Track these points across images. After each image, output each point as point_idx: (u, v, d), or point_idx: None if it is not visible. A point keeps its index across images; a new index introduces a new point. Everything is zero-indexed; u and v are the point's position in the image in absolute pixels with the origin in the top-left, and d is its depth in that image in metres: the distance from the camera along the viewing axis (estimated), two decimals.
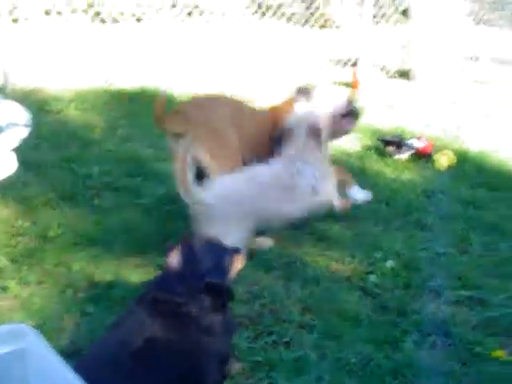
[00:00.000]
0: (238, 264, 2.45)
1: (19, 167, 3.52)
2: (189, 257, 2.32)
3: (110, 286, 3.02)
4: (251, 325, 2.78)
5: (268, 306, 2.93)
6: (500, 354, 2.63)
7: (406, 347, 2.65)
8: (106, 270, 3.16)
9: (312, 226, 3.76)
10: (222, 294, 2.27)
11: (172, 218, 3.74)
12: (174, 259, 2.32)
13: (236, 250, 2.47)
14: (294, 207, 3.40)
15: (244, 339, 2.66)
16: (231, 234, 3.07)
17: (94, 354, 2.21)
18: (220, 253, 2.38)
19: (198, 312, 2.20)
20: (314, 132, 3.55)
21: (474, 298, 3.08)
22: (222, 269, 2.34)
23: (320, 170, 3.51)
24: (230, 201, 3.19)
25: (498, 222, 3.98)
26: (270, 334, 2.72)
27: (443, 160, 4.91)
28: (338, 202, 3.63)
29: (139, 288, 2.84)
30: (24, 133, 3.36)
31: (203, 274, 2.25)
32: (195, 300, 2.21)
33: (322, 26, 10.18)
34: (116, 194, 4.08)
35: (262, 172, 3.39)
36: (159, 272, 2.52)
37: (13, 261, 3.21)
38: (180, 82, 7.13)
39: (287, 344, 2.66)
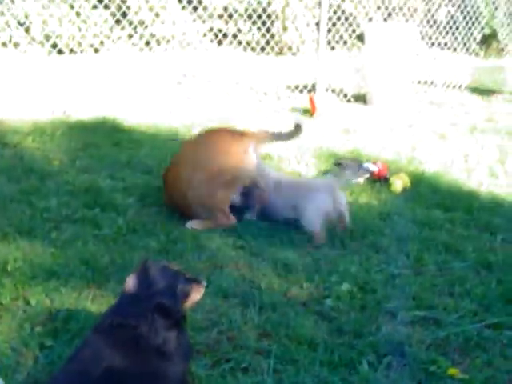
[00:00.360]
0: (197, 293, 2.48)
1: None
2: (143, 280, 2.35)
3: (69, 318, 3.00)
4: (209, 352, 2.78)
5: (225, 332, 2.95)
6: (454, 372, 2.68)
7: (362, 369, 2.69)
8: (64, 303, 3.14)
9: (268, 252, 3.81)
10: (173, 316, 2.30)
11: (131, 249, 3.76)
12: (130, 284, 2.35)
13: (196, 280, 2.50)
14: None
15: (202, 367, 2.67)
16: None
17: None
18: (176, 278, 2.42)
19: (151, 334, 2.22)
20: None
21: (428, 318, 3.13)
22: (175, 292, 2.37)
23: None
24: None
25: (452, 242, 4.06)
26: (228, 360, 2.73)
27: (398, 183, 5.01)
28: None
29: (98, 319, 2.88)
30: None
31: (154, 295, 2.28)
32: (148, 322, 2.24)
33: (279, 53, 10.33)
34: (74, 225, 4.07)
35: None
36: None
37: None
38: (138, 111, 7.19)
39: (245, 370, 2.67)
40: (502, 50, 12.53)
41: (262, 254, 3.79)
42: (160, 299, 2.28)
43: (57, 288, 3.28)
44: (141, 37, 9.81)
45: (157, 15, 10.06)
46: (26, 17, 9.00)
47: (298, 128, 4.32)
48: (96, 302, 3.17)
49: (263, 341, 2.88)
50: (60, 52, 8.60)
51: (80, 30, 9.17)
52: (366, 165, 5.17)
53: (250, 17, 9.77)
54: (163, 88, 7.98)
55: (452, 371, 2.68)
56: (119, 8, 8.97)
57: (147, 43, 9.81)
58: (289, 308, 3.17)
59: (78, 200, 4.48)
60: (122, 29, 9.81)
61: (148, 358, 2.23)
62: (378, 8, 10.82)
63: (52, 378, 2.33)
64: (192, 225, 4.16)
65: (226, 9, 10.46)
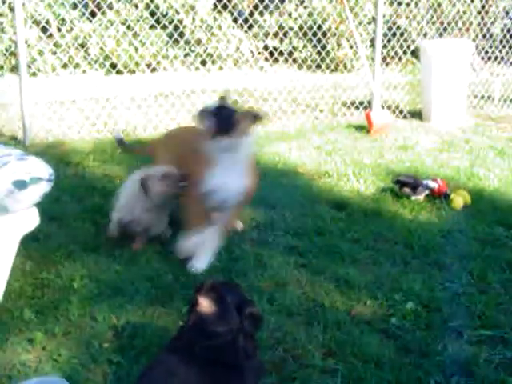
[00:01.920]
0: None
1: (41, 220, 3.60)
2: (218, 298, 2.39)
3: (135, 335, 3.06)
4: (275, 370, 2.80)
5: (290, 351, 2.96)
6: None
7: None
8: (130, 320, 3.20)
9: (330, 270, 3.81)
10: (260, 323, 2.35)
11: None
12: (204, 302, 2.38)
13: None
14: None
15: None
16: None
17: None
18: (242, 293, 2.46)
19: (241, 355, 2.26)
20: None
21: (495, 337, 3.10)
22: (251, 303, 2.43)
23: None
24: None
25: None
26: (294, 379, 2.74)
27: (459, 199, 4.96)
28: None
29: (163, 336, 2.92)
30: (47, 187, 3.44)
31: (241, 307, 2.32)
32: (236, 341, 2.28)
33: (333, 70, 10.34)
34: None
35: None
36: (185, 319, 2.58)
37: (38, 313, 3.25)
38: None
39: None
40: None
41: (323, 271, 3.79)
42: (248, 309, 2.32)
43: (122, 305, 3.35)
44: (196, 56, 9.95)
45: (213, 35, 10.19)
46: (86, 38, 9.21)
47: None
48: (161, 320, 3.22)
49: (329, 359, 2.89)
50: (118, 72, 8.76)
51: (137, 50, 9.33)
52: (425, 182, 5.13)
53: (305, 34, 9.83)
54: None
55: None
56: (176, 28, 9.11)
57: (203, 62, 9.94)
58: (353, 326, 3.16)
59: None
60: (179, 48, 9.97)
61: (226, 375, 2.27)
62: (433, 23, 10.77)
63: None
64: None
65: (281, 27, 10.55)
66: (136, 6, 9.92)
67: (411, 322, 3.23)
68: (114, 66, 8.70)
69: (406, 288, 3.57)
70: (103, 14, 8.93)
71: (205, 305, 2.37)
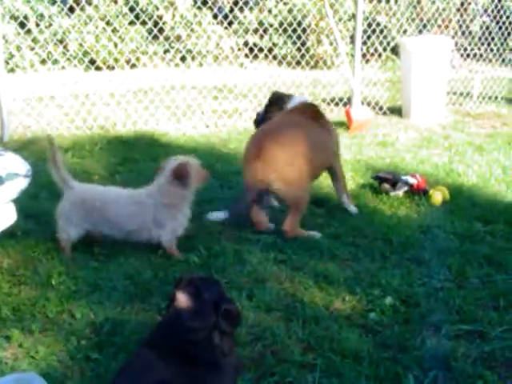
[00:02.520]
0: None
1: (19, 217, 3.58)
2: (195, 294, 2.37)
3: (114, 331, 3.04)
4: (253, 366, 2.79)
5: (269, 346, 2.95)
6: None
7: (409, 383, 2.68)
8: (108, 316, 3.18)
9: (309, 266, 3.81)
10: (237, 321, 2.34)
11: (172, 264, 3.80)
12: (181, 298, 2.37)
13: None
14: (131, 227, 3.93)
15: (247, 381, 2.68)
16: (68, 222, 3.91)
17: None
18: (220, 289, 2.46)
19: (217, 353, 2.26)
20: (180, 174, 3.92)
21: (472, 332, 3.11)
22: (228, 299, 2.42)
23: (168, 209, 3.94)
24: (79, 195, 3.96)
25: (494, 255, 4.02)
26: (273, 374, 2.74)
27: (438, 195, 4.99)
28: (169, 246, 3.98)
29: (142, 332, 2.91)
30: (24, 184, 3.42)
31: (218, 303, 2.31)
32: (211, 336, 2.27)
33: (313, 67, 10.35)
34: (116, 241, 4.11)
35: (124, 191, 4.09)
36: (163, 315, 2.57)
37: (15, 310, 3.23)
38: (176, 126, 7.27)
39: None
40: None
41: (303, 267, 3.79)
42: (224, 305, 2.31)
43: (101, 302, 3.33)
44: (176, 52, 9.92)
45: (193, 31, 10.16)
46: (64, 33, 9.14)
47: None
48: (140, 316, 3.21)
49: (307, 355, 2.89)
50: (97, 68, 8.70)
51: (116, 45, 9.27)
52: (404, 178, 5.15)
53: (285, 31, 9.83)
54: (199, 102, 8.05)
55: None
56: (156, 24, 9.07)
57: (183, 58, 9.91)
58: (332, 321, 3.16)
59: None
60: (159, 44, 9.93)
61: (203, 372, 2.26)
62: (413, 20, 10.81)
63: None
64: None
65: (261, 23, 10.54)
66: (115, 2, 9.86)
67: (390, 317, 3.24)
68: (93, 61, 8.64)
69: (385, 283, 3.58)
70: (82, 9, 8.87)
71: (182, 300, 2.36)
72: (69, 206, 3.93)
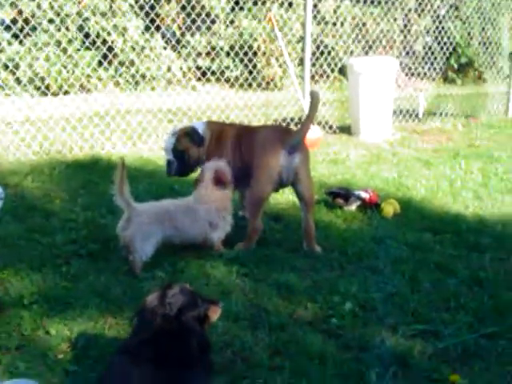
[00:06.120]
0: (215, 314, 2.69)
1: None
2: (163, 299, 2.55)
3: (89, 346, 3.17)
4: (225, 371, 2.96)
5: (239, 353, 3.13)
6: (456, 378, 2.90)
7: (371, 380, 2.89)
8: (82, 332, 3.31)
9: (271, 277, 4.00)
10: (198, 332, 2.51)
11: (140, 280, 3.95)
12: (148, 300, 2.55)
13: (213, 301, 2.71)
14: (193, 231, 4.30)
15: None
16: (145, 241, 4.05)
17: None
18: (196, 297, 2.63)
19: (180, 349, 2.42)
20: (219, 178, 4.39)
21: (427, 331, 3.35)
22: (197, 305, 2.59)
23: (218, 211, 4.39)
24: (151, 209, 4.21)
25: (444, 262, 4.29)
26: (245, 378, 2.92)
27: (389, 208, 5.24)
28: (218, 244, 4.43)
29: (117, 344, 3.05)
30: None
31: (184, 306, 2.50)
32: (177, 336, 2.44)
33: (265, 89, 10.60)
34: (82, 260, 4.24)
35: (178, 201, 4.45)
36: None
37: None
38: (132, 149, 7.40)
39: None
40: (479, 77, 12.92)
41: (265, 279, 3.99)
42: (188, 313, 2.48)
43: (74, 318, 3.46)
44: (130, 77, 10.07)
45: (146, 56, 10.30)
46: (12, 60, 9.15)
47: (313, 95, 4.50)
48: (112, 330, 3.36)
49: (275, 359, 3.08)
50: (53, 94, 8.78)
51: (68, 71, 9.34)
52: (357, 192, 5.39)
53: (236, 54, 10.05)
54: (155, 125, 8.19)
55: (454, 377, 2.90)
56: (109, 49, 9.18)
57: (136, 83, 10.06)
58: (296, 328, 3.37)
59: (83, 236, 4.63)
60: (113, 69, 10.04)
61: (178, 372, 2.41)
62: (359, 41, 11.16)
63: None
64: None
65: (212, 48, 10.75)
66: (67, 29, 9.95)
67: (350, 321, 3.46)
68: (47, 87, 8.71)
69: (344, 291, 3.80)
70: (37, 36, 8.95)
71: (148, 301, 2.55)
72: (145, 225, 4.11)
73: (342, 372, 2.95)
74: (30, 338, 3.28)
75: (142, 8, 9.02)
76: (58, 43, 9.37)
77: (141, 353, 2.47)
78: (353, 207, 5.34)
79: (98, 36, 9.62)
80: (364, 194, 5.39)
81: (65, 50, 9.11)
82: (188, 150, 4.76)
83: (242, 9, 11.04)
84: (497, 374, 2.99)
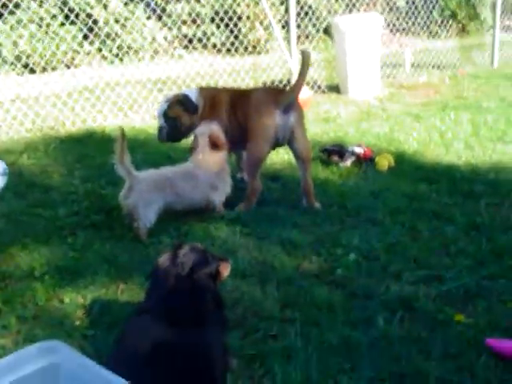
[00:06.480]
0: (225, 270, 2.78)
1: None
2: (174, 256, 2.64)
3: (104, 311, 3.26)
4: (238, 326, 3.07)
5: (250, 308, 3.23)
6: (460, 317, 3.02)
7: (379, 324, 3.01)
8: (95, 298, 3.40)
9: (274, 235, 4.10)
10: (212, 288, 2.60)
11: (146, 246, 4.04)
12: (161, 260, 2.65)
13: (222, 258, 2.80)
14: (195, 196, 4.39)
15: (234, 338, 2.95)
16: (147, 208, 4.14)
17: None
18: (207, 255, 2.72)
19: (197, 305, 2.51)
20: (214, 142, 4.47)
21: (430, 276, 3.47)
22: (208, 263, 2.68)
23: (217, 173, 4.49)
24: (151, 177, 4.28)
25: (440, 210, 4.41)
26: (257, 331, 3.02)
27: (383, 162, 5.34)
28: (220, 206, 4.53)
29: (131, 309, 3.14)
30: (2, 182, 3.59)
31: (196, 264, 2.59)
32: (192, 294, 2.53)
33: (251, 53, 10.61)
34: (87, 230, 4.30)
35: (177, 168, 4.51)
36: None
37: (5, 302, 3.40)
38: (123, 120, 7.44)
39: (274, 337, 2.97)
40: (463, 30, 12.95)
41: (268, 237, 4.09)
42: (200, 271, 2.57)
43: (86, 286, 3.54)
44: (110, 50, 10.05)
45: (131, 27, 10.26)
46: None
47: (305, 54, 4.52)
48: (125, 295, 3.45)
49: (286, 311, 3.19)
50: (32, 71, 8.77)
51: (49, 47, 9.28)
52: (351, 148, 5.48)
53: (221, 19, 10.02)
54: (145, 95, 8.22)
55: (458, 317, 3.02)
56: (94, 22, 9.14)
57: (117, 55, 10.05)
58: (303, 280, 3.47)
59: (85, 207, 4.69)
60: (91, 43, 9.99)
61: (195, 328, 2.50)
62: (337, 0, 11.15)
63: (109, 357, 2.57)
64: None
65: (198, 14, 10.71)
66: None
67: (354, 271, 3.57)
68: (35, 64, 8.70)
69: (346, 243, 3.91)
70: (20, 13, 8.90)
71: (161, 262, 2.64)
72: (146, 192, 4.19)
73: (350, 319, 3.06)
74: (45, 307, 3.36)
75: None
76: (41, 20, 9.33)
77: (157, 312, 2.55)
78: (348, 163, 5.43)
79: (81, 10, 9.57)
80: (358, 150, 5.48)
81: (48, 26, 9.08)
82: (180, 117, 4.82)
83: None
84: (499, 312, 3.11)
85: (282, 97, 4.51)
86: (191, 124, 4.80)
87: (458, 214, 4.32)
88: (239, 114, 4.66)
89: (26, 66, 8.67)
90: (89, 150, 6.34)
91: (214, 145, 4.47)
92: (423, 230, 4.10)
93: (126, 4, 10.26)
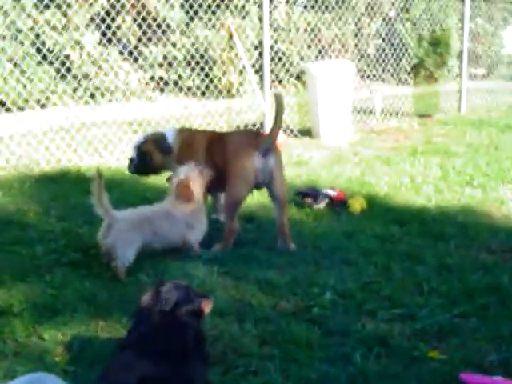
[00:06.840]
0: (207, 306, 2.85)
1: None
2: (158, 296, 2.71)
3: (84, 348, 3.28)
4: (218, 362, 3.12)
5: (229, 345, 3.28)
6: (434, 354, 3.12)
7: (356, 360, 3.09)
8: (76, 335, 3.42)
9: (251, 275, 4.17)
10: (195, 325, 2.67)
11: (124, 285, 4.07)
12: (144, 298, 2.71)
13: (204, 296, 2.87)
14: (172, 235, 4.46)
15: (215, 374, 3.00)
16: (126, 247, 4.19)
17: None
18: (190, 292, 2.79)
19: (180, 341, 2.57)
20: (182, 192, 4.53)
21: (404, 314, 3.58)
22: (192, 300, 2.75)
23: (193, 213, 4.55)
24: (130, 216, 4.35)
25: (412, 251, 4.55)
26: (237, 367, 3.08)
27: (356, 204, 5.47)
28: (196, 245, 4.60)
29: (111, 345, 3.18)
30: None
31: (179, 301, 2.65)
32: (176, 330, 2.59)
33: (224, 97, 10.77)
34: (65, 268, 4.32)
35: (155, 207, 4.57)
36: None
37: None
38: (98, 160, 7.49)
39: (254, 373, 3.03)
40: (430, 77, 13.30)
41: (245, 276, 4.16)
42: (183, 308, 2.64)
43: (65, 323, 3.56)
44: (85, 90, 10.14)
45: (100, 68, 10.37)
46: None
47: (278, 97, 4.63)
48: (105, 332, 3.48)
49: (264, 348, 3.25)
50: (7, 110, 8.81)
51: (25, 87, 9.34)
52: (324, 191, 5.61)
53: (197, 63, 10.17)
54: (120, 136, 8.29)
55: (432, 354, 3.12)
56: (63, 63, 9.21)
57: (91, 96, 10.14)
58: (281, 319, 3.54)
59: (63, 245, 4.71)
60: (67, 84, 10.07)
61: (178, 363, 2.56)
62: (309, 47, 11.41)
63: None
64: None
65: (174, 58, 10.87)
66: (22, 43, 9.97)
67: (331, 309, 3.66)
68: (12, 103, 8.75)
69: (322, 283, 4.00)
70: None
71: (144, 299, 2.70)
72: (125, 231, 4.23)
73: (328, 355, 3.14)
74: (24, 343, 3.37)
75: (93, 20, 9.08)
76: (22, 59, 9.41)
77: (141, 347, 2.61)
78: (321, 205, 5.55)
79: (52, 51, 9.66)
80: (331, 192, 5.61)
81: (24, 67, 9.15)
82: (151, 154, 4.94)
83: (192, 19, 11.16)
84: (472, 349, 3.22)
85: (260, 140, 4.62)
86: (163, 163, 4.92)
87: (429, 255, 4.46)
88: (217, 156, 4.75)
89: (2, 104, 8.72)
90: (64, 189, 6.38)
91: (183, 195, 4.53)
92: (396, 270, 4.21)
93: (103, 46, 10.38)
